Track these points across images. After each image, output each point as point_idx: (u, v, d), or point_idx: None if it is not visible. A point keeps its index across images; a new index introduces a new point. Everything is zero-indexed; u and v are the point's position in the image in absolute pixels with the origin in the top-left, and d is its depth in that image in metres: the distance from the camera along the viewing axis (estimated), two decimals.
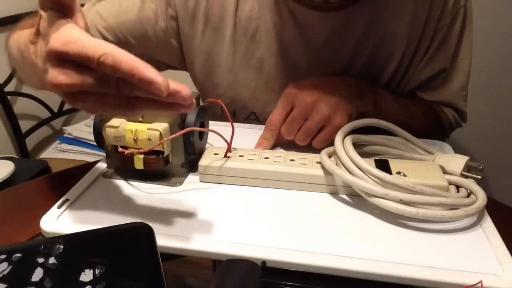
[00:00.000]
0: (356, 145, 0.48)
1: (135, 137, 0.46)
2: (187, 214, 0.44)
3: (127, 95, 0.33)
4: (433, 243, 0.41)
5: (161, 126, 0.46)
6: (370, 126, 0.53)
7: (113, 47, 0.31)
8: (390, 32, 0.64)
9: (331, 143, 0.50)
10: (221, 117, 0.64)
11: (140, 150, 0.46)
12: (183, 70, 0.74)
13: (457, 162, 0.48)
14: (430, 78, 0.69)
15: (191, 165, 0.52)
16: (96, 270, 0.32)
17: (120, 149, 0.47)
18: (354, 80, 0.61)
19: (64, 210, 0.44)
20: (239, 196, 0.48)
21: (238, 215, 0.44)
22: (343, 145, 0.47)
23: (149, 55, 0.69)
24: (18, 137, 1.35)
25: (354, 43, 0.65)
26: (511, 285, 0.36)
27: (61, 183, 0.51)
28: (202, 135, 0.53)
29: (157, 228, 0.36)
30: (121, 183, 0.50)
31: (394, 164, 0.47)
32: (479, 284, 0.35)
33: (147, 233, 0.35)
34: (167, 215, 0.44)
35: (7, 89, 1.29)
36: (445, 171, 0.48)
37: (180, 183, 0.50)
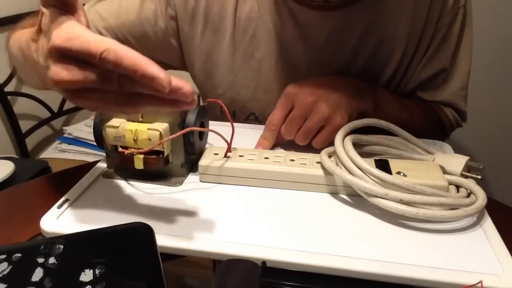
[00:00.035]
0: (356, 145, 0.48)
1: (135, 137, 0.46)
2: (187, 214, 0.44)
3: (128, 91, 0.33)
4: (433, 243, 0.41)
5: (161, 126, 0.46)
6: (370, 126, 0.53)
7: (115, 43, 0.32)
8: (389, 32, 0.64)
9: (331, 143, 0.50)
10: (221, 117, 0.64)
11: (140, 150, 0.46)
12: (183, 70, 0.74)
13: (457, 162, 0.48)
14: (430, 78, 0.69)
15: (191, 165, 0.52)
16: (96, 270, 0.32)
17: (120, 149, 0.47)
18: (354, 80, 0.61)
19: (64, 210, 0.44)
20: (239, 196, 0.48)
21: (238, 215, 0.44)
22: (343, 145, 0.47)
23: (149, 55, 0.68)
24: (18, 137, 1.35)
25: (354, 43, 0.65)
26: (511, 285, 0.36)
27: (61, 183, 0.51)
28: (202, 135, 0.53)
29: (157, 228, 0.36)
30: (121, 183, 0.50)
31: (394, 164, 0.47)
32: (479, 284, 0.35)
33: (147, 233, 0.35)
34: (167, 215, 0.44)
35: (7, 89, 1.29)
36: (445, 171, 0.48)
37: (180, 183, 0.50)
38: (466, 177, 0.47)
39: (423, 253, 0.39)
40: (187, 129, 0.47)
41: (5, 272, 0.31)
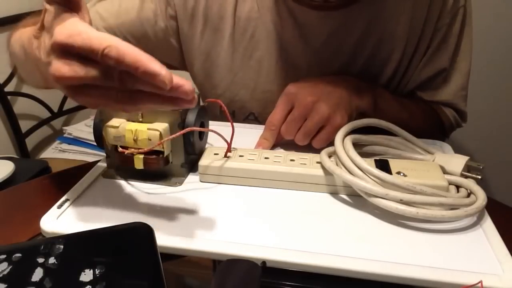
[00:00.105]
0: (356, 145, 0.48)
1: (135, 137, 0.46)
2: (187, 214, 0.44)
3: (129, 88, 0.33)
4: (433, 243, 0.41)
5: (161, 126, 0.46)
6: (370, 126, 0.53)
7: (117, 40, 0.32)
8: (389, 32, 0.64)
9: (331, 143, 0.50)
10: (221, 118, 0.64)
11: (140, 150, 0.46)
12: (183, 70, 0.74)
13: (457, 162, 0.48)
14: (430, 78, 0.69)
15: (191, 165, 0.52)
16: (96, 270, 0.32)
17: (120, 149, 0.47)
18: (354, 80, 0.61)
19: (64, 210, 0.44)
20: (239, 196, 0.48)
21: (238, 215, 0.44)
22: (343, 145, 0.47)
23: (150, 55, 0.69)
24: (18, 137, 1.35)
25: (354, 43, 0.65)
26: (511, 285, 0.36)
27: (61, 183, 0.51)
28: (202, 135, 0.53)
29: (157, 228, 0.36)
30: (121, 183, 0.50)
31: (394, 164, 0.47)
32: (479, 284, 0.35)
33: (147, 233, 0.35)
34: (167, 215, 0.44)
35: (7, 89, 1.29)
36: (445, 171, 0.48)
37: (180, 183, 0.50)
38: (466, 177, 0.47)
39: (423, 253, 0.39)
40: (187, 129, 0.47)
41: (5, 272, 0.31)
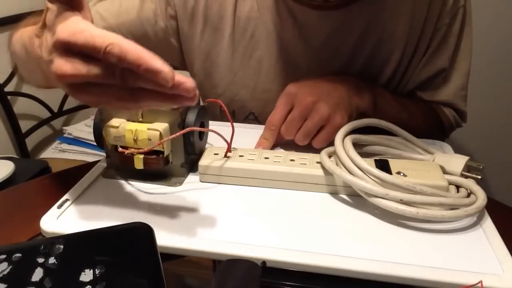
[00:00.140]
0: (356, 145, 0.48)
1: (135, 137, 0.46)
2: (187, 214, 0.44)
3: (131, 86, 0.33)
4: (433, 243, 0.41)
5: (161, 126, 0.46)
6: (370, 126, 0.53)
7: (119, 38, 0.32)
8: (388, 32, 0.64)
9: (331, 143, 0.50)
10: (221, 117, 0.64)
11: (140, 150, 0.46)
12: (183, 69, 0.74)
13: (457, 162, 0.48)
14: (430, 78, 0.69)
15: (191, 165, 0.52)
16: (96, 270, 0.32)
17: (120, 149, 0.47)
18: (354, 80, 0.61)
19: (64, 210, 0.44)
20: (239, 196, 0.48)
21: (238, 215, 0.44)
22: (343, 145, 0.47)
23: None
24: (18, 137, 1.35)
25: (354, 43, 0.65)
26: (511, 285, 0.36)
27: (61, 183, 0.51)
28: (202, 135, 0.53)
29: (157, 228, 0.36)
30: (121, 183, 0.50)
31: (394, 164, 0.47)
32: (479, 284, 0.35)
33: (147, 233, 0.35)
34: (167, 215, 0.44)
35: (7, 89, 1.29)
36: (445, 171, 0.48)
37: (180, 183, 0.50)
38: (466, 177, 0.47)
39: (423, 253, 0.39)
40: (187, 129, 0.47)
41: (5, 272, 0.31)
